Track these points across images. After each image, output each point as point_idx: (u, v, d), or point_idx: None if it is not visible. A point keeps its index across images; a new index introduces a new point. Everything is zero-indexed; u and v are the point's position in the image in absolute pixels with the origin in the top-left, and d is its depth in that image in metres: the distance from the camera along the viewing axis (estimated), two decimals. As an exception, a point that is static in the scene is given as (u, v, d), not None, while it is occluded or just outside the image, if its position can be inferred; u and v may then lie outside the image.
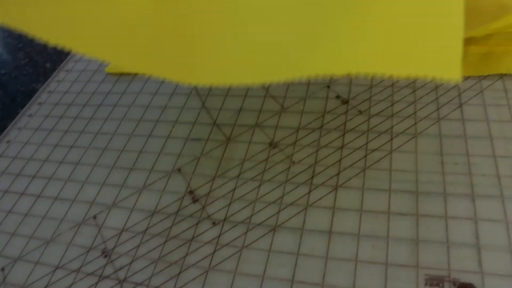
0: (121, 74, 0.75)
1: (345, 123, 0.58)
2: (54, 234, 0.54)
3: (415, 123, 0.56)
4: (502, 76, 0.61)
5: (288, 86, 0.64)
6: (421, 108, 0.58)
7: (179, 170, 0.57)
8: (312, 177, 0.52)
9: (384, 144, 0.54)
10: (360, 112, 0.59)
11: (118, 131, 0.64)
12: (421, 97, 0.59)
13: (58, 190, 0.58)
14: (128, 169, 0.59)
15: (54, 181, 0.60)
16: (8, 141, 0.67)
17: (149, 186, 0.56)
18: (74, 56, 0.82)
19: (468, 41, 0.64)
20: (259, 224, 0.49)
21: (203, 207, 0.52)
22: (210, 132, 0.61)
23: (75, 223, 0.54)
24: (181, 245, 0.49)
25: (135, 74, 0.74)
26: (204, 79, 0.36)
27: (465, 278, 0.42)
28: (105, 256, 0.50)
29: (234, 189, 0.53)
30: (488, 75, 0.61)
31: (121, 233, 0.52)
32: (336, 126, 0.58)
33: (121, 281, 0.48)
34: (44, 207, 0.57)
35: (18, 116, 0.71)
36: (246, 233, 0.49)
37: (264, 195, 0.52)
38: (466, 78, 0.62)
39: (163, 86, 0.70)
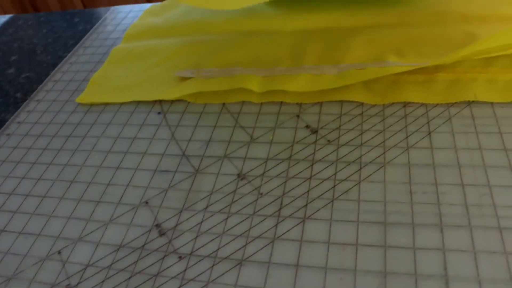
0: (92, 105, 0.74)
1: (313, 153, 0.57)
2: (17, 270, 0.52)
3: (384, 153, 0.56)
4: (469, 103, 0.61)
5: (258, 116, 0.64)
6: (390, 137, 0.58)
7: (146, 202, 0.56)
8: (279, 209, 0.52)
9: (352, 174, 0.54)
10: (329, 142, 0.59)
11: (87, 163, 0.64)
12: (390, 126, 0.59)
13: (23, 224, 0.57)
14: (95, 202, 0.58)
15: (19, 214, 0.58)
16: (-26, 174, 0.66)
17: (115, 219, 0.55)
18: (45, 86, 0.81)
19: (436, 69, 0.65)
20: (226, 258, 0.48)
21: (170, 241, 0.51)
22: (179, 163, 0.60)
23: (39, 259, 0.53)
24: (146, 281, 0.48)
25: (106, 104, 0.73)
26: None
27: (432, 312, 0.42)
28: (69, 293, 0.49)
29: (201, 222, 0.52)
30: (456, 102, 0.62)
31: (86, 268, 0.51)
32: (304, 156, 0.57)
33: (83, 320, 0.47)
34: (8, 242, 0.55)
35: (-15, 148, 0.70)
36: (212, 267, 0.48)
37: (231, 228, 0.51)
38: (434, 105, 0.62)
39: (133, 117, 0.69)
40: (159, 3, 0.99)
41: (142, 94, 0.72)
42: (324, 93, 0.65)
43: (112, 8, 1.04)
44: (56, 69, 0.86)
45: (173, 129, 0.65)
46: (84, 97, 0.75)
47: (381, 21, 0.75)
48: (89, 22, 0.99)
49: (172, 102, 0.70)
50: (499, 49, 0.63)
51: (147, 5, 1.00)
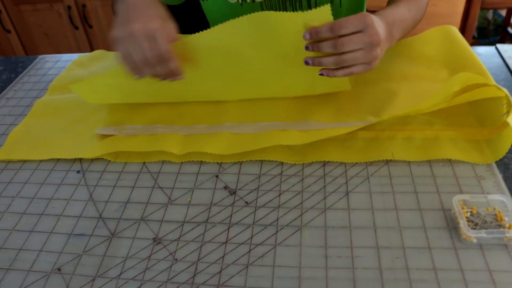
0: (9, 162, 0.71)
1: (231, 215, 0.57)
2: None
3: (301, 215, 0.56)
4: (387, 161, 0.62)
5: (177, 176, 0.63)
6: (308, 198, 0.58)
7: (59, 269, 0.54)
8: (193, 276, 0.50)
9: (268, 238, 0.54)
10: (247, 204, 0.58)
11: (-1, 225, 0.61)
12: (309, 186, 0.60)
13: None
14: (4, 270, 0.55)
15: None
16: None
17: (25, 289, 0.52)
18: (-37, 140, 0.78)
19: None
20: (135, 331, 0.47)
21: (79, 313, 0.49)
22: (95, 226, 0.58)
23: None
24: None
25: (24, 161, 0.70)
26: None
27: None
28: None
29: (114, 290, 0.51)
30: (374, 161, 0.63)
31: None
32: (221, 219, 0.57)
33: None
34: None
35: None
36: None
37: (143, 298, 0.49)
38: (353, 164, 0.63)
39: (52, 176, 0.67)
40: (87, 54, 0.97)
41: (63, 152, 0.70)
42: (244, 153, 0.65)
43: (40, 56, 1.02)
44: (-25, 121, 0.82)
45: (91, 189, 0.64)
46: (1, 154, 0.72)
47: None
48: (14, 71, 0.97)
49: (92, 160, 0.69)
50: (418, 111, 0.65)
51: (76, 55, 0.99)
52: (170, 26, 0.62)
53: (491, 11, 2.35)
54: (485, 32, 2.38)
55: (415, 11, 0.72)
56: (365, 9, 0.94)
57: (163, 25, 0.60)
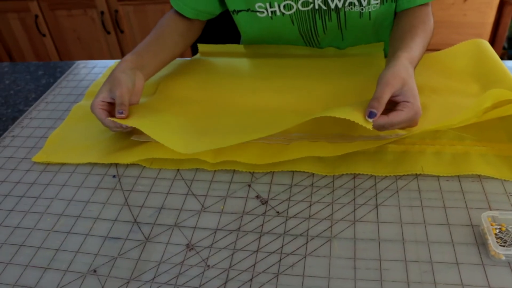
0: (48, 164, 0.74)
1: (262, 225, 0.58)
2: None
3: (331, 226, 0.57)
4: (416, 176, 0.63)
5: (210, 184, 0.65)
6: (338, 210, 0.59)
7: (94, 271, 0.56)
8: (225, 283, 0.52)
9: (299, 248, 0.55)
10: (278, 214, 0.60)
11: (38, 225, 0.63)
12: (339, 198, 0.61)
13: (-35, 292, 0.56)
14: (43, 269, 0.57)
15: (-36, 281, 0.57)
16: None
17: (62, 288, 0.54)
18: (2, 141, 0.81)
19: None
20: (169, 334, 0.48)
21: (114, 314, 0.51)
22: (130, 230, 0.60)
23: (-20, 330, 0.52)
24: None
25: (62, 164, 0.73)
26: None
27: None
28: None
29: (148, 294, 0.52)
30: (403, 175, 0.63)
31: None
32: (253, 228, 0.58)
33: None
34: (-51, 311, 0.54)
35: None
36: None
37: (176, 302, 0.51)
38: (383, 177, 0.63)
39: (89, 179, 0.69)
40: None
41: (99, 156, 0.72)
42: (276, 163, 0.66)
43: (77, 62, 1.05)
44: (15, 123, 0.85)
45: (127, 194, 0.66)
46: (41, 156, 0.75)
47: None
48: (53, 75, 1.00)
49: (127, 165, 0.71)
50: (449, 126, 0.65)
51: (112, 62, 1.01)
52: (120, 90, 0.72)
53: (522, 21, 2.32)
54: (516, 43, 2.36)
55: (426, 47, 0.75)
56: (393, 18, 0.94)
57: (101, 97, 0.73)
